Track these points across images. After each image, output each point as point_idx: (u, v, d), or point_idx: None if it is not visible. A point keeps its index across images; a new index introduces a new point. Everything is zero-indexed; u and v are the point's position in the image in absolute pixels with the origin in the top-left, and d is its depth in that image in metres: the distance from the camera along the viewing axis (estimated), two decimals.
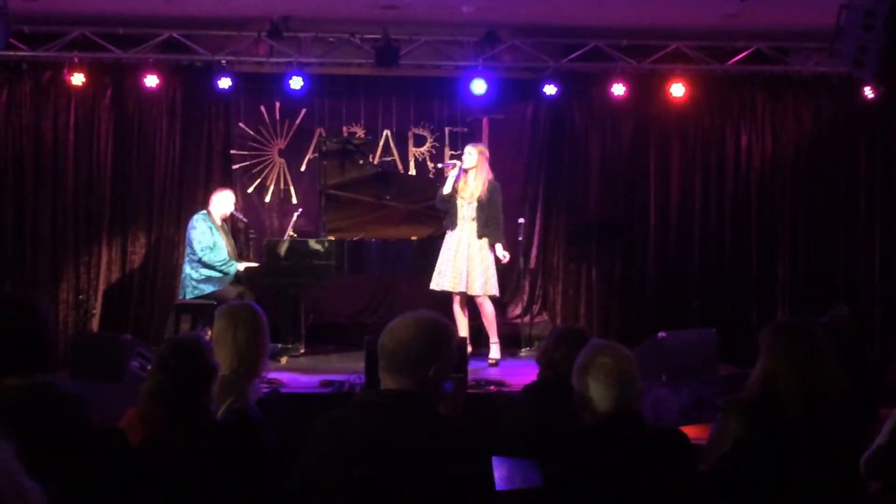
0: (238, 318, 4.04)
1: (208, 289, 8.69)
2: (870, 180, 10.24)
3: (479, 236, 8.38)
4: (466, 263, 8.34)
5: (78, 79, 9.41)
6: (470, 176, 8.41)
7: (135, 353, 7.27)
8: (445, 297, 8.57)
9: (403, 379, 2.81)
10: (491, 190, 8.43)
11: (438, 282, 8.45)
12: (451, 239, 8.46)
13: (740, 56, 9.93)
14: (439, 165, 8.45)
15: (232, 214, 9.50)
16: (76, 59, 9.40)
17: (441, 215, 8.79)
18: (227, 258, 8.84)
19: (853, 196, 10.25)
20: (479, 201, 8.39)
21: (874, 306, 10.02)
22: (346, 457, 2.69)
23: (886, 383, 5.53)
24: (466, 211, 8.43)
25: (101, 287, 9.70)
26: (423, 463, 2.65)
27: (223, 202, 9.06)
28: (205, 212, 8.96)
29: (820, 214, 10.25)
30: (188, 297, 8.72)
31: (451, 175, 8.43)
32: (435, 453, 2.67)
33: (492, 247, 8.44)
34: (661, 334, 7.83)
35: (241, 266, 8.87)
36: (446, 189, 8.41)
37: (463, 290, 8.35)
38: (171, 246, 9.74)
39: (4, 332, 2.90)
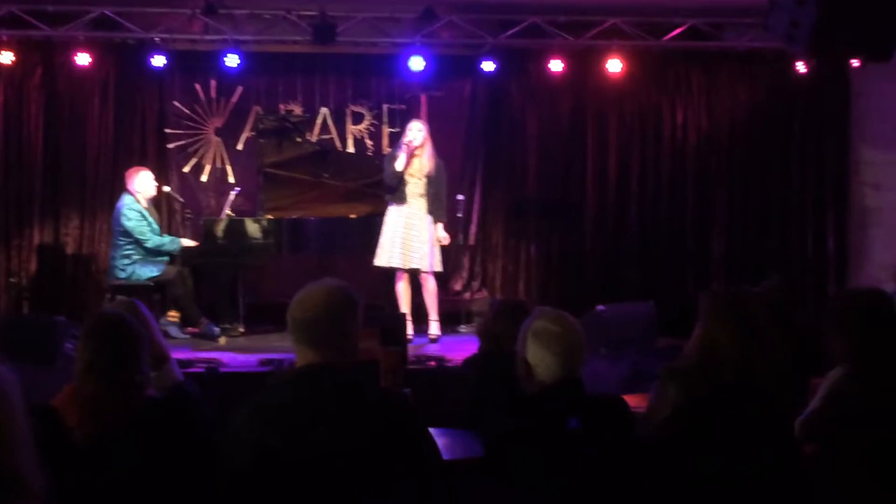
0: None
1: (146, 273, 8.55)
2: (802, 154, 10.39)
3: (429, 212, 8.37)
4: (417, 239, 8.32)
5: (6, 57, 9.19)
6: (420, 152, 8.38)
7: (69, 334, 7.14)
8: (386, 274, 8.57)
9: (326, 350, 2.74)
10: (438, 166, 8.44)
11: (386, 258, 8.37)
12: (398, 215, 8.38)
13: (676, 32, 9.98)
14: (398, 153, 8.27)
15: (168, 193, 9.38)
16: (4, 37, 9.16)
17: (380, 193, 8.76)
18: (169, 237, 8.76)
19: (786, 169, 10.41)
20: (428, 177, 8.37)
21: (806, 278, 10.19)
22: (286, 436, 2.64)
23: (818, 352, 5.63)
24: (415, 187, 8.38)
25: (33, 269, 9.53)
26: (367, 433, 2.63)
27: (146, 184, 8.79)
28: (131, 197, 8.69)
29: (754, 188, 10.39)
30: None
31: (403, 152, 8.35)
32: (379, 422, 2.65)
33: (436, 224, 8.45)
34: (600, 307, 7.91)
35: (185, 242, 8.77)
36: (399, 165, 8.31)
37: (414, 266, 8.32)
38: (106, 227, 9.57)
39: None
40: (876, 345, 3.64)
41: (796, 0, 7.05)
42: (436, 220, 8.44)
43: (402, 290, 8.47)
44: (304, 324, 2.76)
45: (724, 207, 10.34)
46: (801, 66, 9.94)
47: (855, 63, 9.43)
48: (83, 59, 9.33)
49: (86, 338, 3.33)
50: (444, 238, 8.53)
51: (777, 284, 5.05)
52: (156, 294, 8.60)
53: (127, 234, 8.54)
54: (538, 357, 3.12)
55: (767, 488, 3.30)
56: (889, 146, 10.25)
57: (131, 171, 8.87)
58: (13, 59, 9.24)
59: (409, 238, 8.31)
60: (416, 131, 8.34)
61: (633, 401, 3.48)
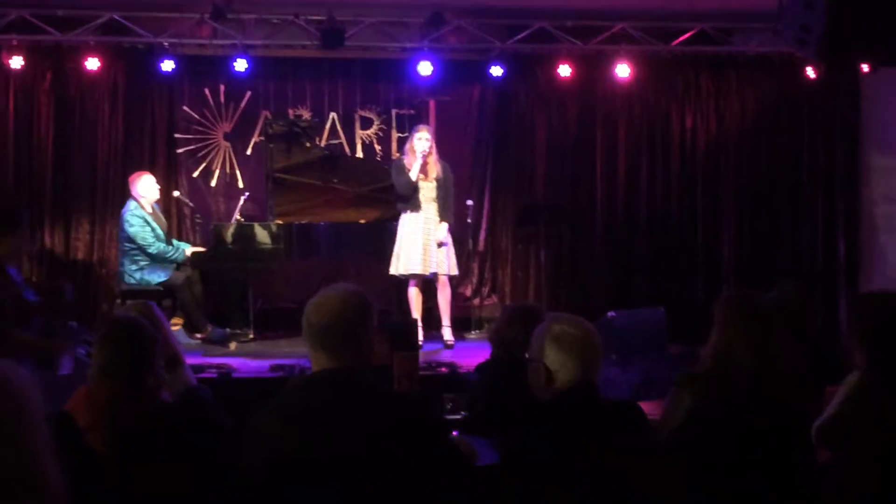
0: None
1: (154, 279, 8.54)
2: (812, 159, 10.37)
3: (440, 216, 8.37)
4: (434, 245, 8.31)
5: (17, 62, 9.21)
6: (430, 158, 8.38)
7: (81, 339, 7.12)
8: (395, 279, 8.56)
9: (341, 355, 2.74)
10: (445, 168, 8.45)
11: (405, 266, 8.33)
12: (415, 221, 8.35)
13: (684, 37, 9.99)
14: (405, 160, 8.28)
15: (178, 199, 9.39)
16: (14, 42, 9.22)
17: (389, 198, 8.76)
18: (172, 246, 8.72)
19: (795, 174, 10.38)
20: (438, 180, 8.37)
21: (817, 284, 10.16)
22: (302, 441, 2.63)
23: (832, 358, 5.62)
24: (427, 192, 8.37)
25: (44, 274, 9.52)
26: (384, 438, 2.62)
27: (149, 188, 8.76)
28: (135, 203, 8.65)
29: (763, 193, 10.36)
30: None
31: (417, 162, 8.33)
32: (396, 427, 2.64)
33: (440, 223, 8.42)
34: (611, 314, 7.88)
35: (189, 251, 8.76)
36: (414, 175, 8.29)
37: (434, 271, 8.31)
38: (116, 231, 9.57)
39: None
40: (893, 348, 3.62)
41: (806, 4, 7.05)
42: (441, 220, 8.43)
43: (414, 295, 8.46)
44: (320, 329, 2.75)
45: (734, 213, 10.32)
46: (810, 72, 9.93)
47: (865, 68, 9.41)
48: (93, 63, 9.36)
49: (100, 342, 3.34)
50: (443, 239, 8.40)
51: (791, 290, 5.03)
52: (166, 299, 8.58)
53: (132, 239, 8.54)
54: (559, 362, 3.08)
55: (783, 495, 3.29)
56: None
57: (133, 175, 8.86)
58: (23, 63, 9.25)
59: (429, 243, 8.31)
60: (425, 140, 8.33)
61: (645, 408, 3.46)
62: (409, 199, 8.36)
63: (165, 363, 3.79)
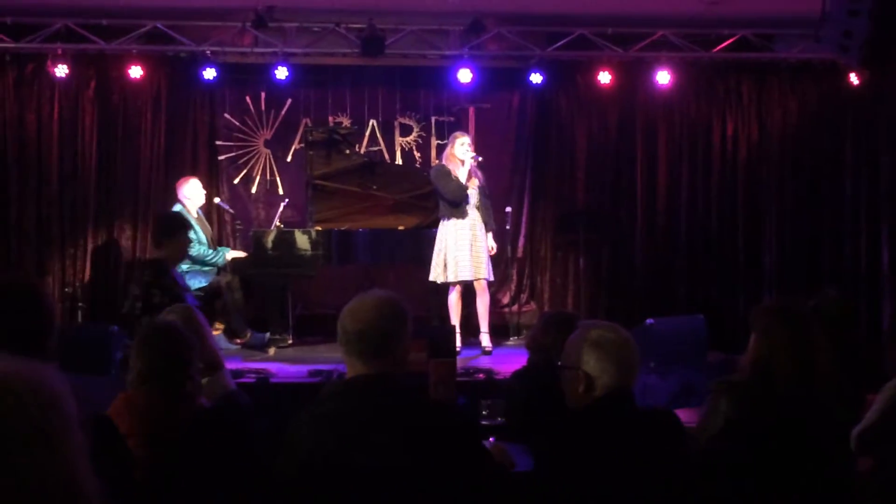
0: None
1: (195, 284, 8.63)
2: (855, 166, 10.25)
3: (485, 223, 8.44)
4: (483, 250, 8.38)
5: (61, 70, 9.34)
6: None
7: (122, 344, 7.21)
8: (433, 286, 8.57)
9: (377, 361, 2.74)
10: (482, 176, 8.50)
11: (454, 273, 8.34)
12: (461, 228, 8.36)
13: (725, 43, 9.93)
14: (448, 167, 8.34)
15: (218, 205, 9.47)
16: (59, 51, 9.35)
17: (428, 205, 8.77)
18: (214, 250, 8.81)
19: (838, 182, 10.26)
20: (480, 188, 8.43)
21: (859, 292, 10.04)
22: (337, 447, 2.63)
23: (873, 368, 5.56)
24: (472, 198, 8.42)
25: (87, 278, 9.66)
26: (418, 445, 2.63)
27: (195, 192, 8.90)
28: (179, 206, 8.78)
29: (805, 201, 10.26)
30: None
31: (467, 167, 8.37)
32: (430, 433, 2.65)
33: (488, 233, 8.52)
34: (650, 321, 7.85)
35: (230, 255, 8.84)
36: (463, 179, 8.33)
37: (483, 276, 8.35)
38: None
39: (10, 313, 2.86)
40: None
41: (849, 11, 6.98)
42: (488, 229, 8.51)
43: (455, 302, 8.48)
44: (355, 335, 2.76)
45: (775, 220, 10.22)
46: (854, 78, 9.84)
47: None
48: (136, 71, 9.48)
49: (138, 347, 3.38)
50: (492, 248, 8.59)
51: (832, 297, 4.98)
52: (206, 305, 8.64)
53: None
54: (599, 367, 3.04)
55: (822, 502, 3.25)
56: None
57: (181, 180, 9.03)
58: (67, 71, 9.38)
59: (479, 249, 8.34)
60: (469, 146, 8.38)
61: (683, 416, 3.44)
62: (459, 205, 8.37)
63: (204, 367, 3.83)
